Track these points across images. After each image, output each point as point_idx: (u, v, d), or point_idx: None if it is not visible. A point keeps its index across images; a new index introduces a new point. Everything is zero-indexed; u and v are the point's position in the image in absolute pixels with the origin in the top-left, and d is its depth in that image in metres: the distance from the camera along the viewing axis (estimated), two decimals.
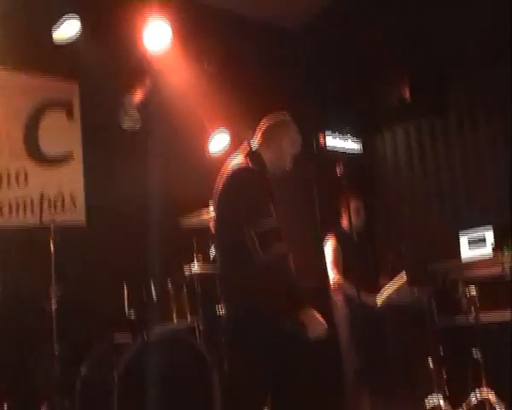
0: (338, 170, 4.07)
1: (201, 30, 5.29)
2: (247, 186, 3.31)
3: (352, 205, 5.29)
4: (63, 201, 5.46)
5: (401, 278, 4.64)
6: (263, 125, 3.65)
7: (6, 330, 4.32)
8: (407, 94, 6.12)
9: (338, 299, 5.24)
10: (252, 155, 3.52)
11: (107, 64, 5.20)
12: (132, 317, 4.38)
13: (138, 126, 5.21)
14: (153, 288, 4.48)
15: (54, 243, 4.30)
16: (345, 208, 5.27)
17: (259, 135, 3.62)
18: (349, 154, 6.53)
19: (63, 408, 4.07)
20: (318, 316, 3.22)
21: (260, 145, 3.59)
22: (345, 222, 5.28)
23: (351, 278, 5.03)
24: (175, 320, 4.53)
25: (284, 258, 3.20)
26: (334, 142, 6.73)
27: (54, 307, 4.16)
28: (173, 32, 5.14)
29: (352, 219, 5.22)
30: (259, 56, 5.64)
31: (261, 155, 3.54)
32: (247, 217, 3.18)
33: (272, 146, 3.56)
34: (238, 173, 3.40)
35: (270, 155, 3.55)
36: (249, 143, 3.60)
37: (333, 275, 5.22)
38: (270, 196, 3.38)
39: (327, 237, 5.39)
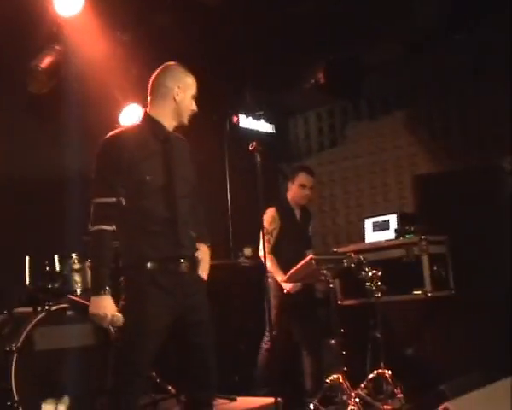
0: (250, 146, 4.07)
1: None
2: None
3: (300, 178, 5.43)
4: None
5: (307, 260, 4.71)
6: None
7: None
8: (321, 77, 6.22)
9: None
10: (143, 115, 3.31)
11: (15, 26, 4.97)
12: (34, 288, 4.24)
13: (45, 91, 5.00)
14: (56, 259, 4.35)
15: None
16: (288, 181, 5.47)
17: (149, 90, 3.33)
18: (263, 134, 6.59)
19: None
20: None
21: (151, 101, 3.29)
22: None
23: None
24: (78, 292, 4.41)
25: None
26: (247, 122, 6.77)
27: None
28: None
29: (296, 192, 5.42)
30: (178, 28, 5.54)
31: (147, 112, 3.28)
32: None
33: (162, 97, 3.24)
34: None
35: (160, 109, 3.25)
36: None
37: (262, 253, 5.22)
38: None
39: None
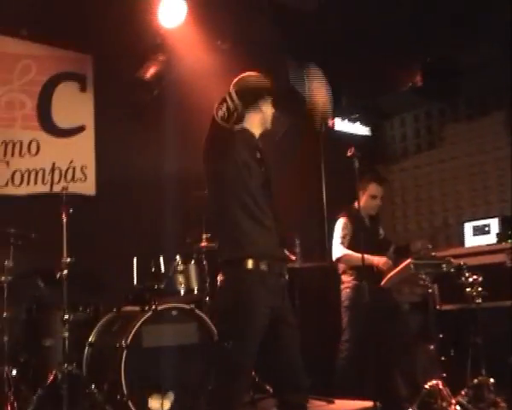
0: (349, 152, 4.11)
1: (216, 6, 5.29)
2: None
3: (371, 188, 5.34)
4: (74, 172, 5.52)
5: (406, 264, 4.68)
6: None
7: (19, 298, 4.39)
8: (419, 80, 6.15)
9: (344, 279, 5.29)
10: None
11: (121, 38, 5.23)
12: (141, 288, 4.46)
13: (151, 101, 5.24)
14: (162, 260, 4.55)
15: (66, 213, 4.32)
16: (359, 190, 5.24)
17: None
18: (358, 136, 6.60)
19: (71, 375, 4.14)
20: None
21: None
22: (357, 204, 5.23)
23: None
24: (182, 292, 4.60)
25: None
26: (342, 125, 6.80)
27: (64, 275, 4.20)
28: (188, 8, 5.16)
29: (367, 202, 5.29)
30: (273, 35, 5.65)
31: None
32: None
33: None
34: None
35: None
36: None
37: (340, 251, 5.26)
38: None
39: (338, 216, 5.40)
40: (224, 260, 3.14)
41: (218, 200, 3.16)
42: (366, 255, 4.77)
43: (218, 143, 3.07)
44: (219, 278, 3.15)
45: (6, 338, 4.18)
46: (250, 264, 3.05)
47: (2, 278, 4.21)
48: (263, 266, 3.05)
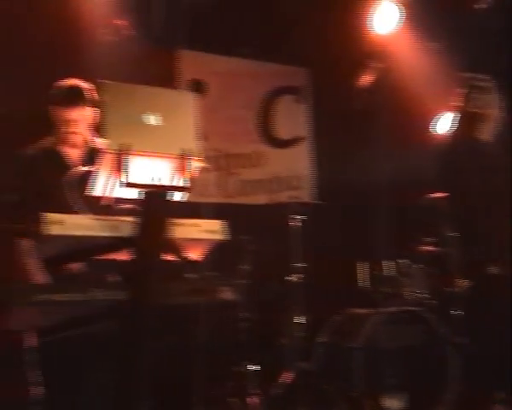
0: None
1: (430, 9, 5.26)
2: None
3: None
4: (293, 181, 5.79)
5: None
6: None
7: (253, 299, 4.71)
8: None
9: None
10: None
11: (335, 48, 5.39)
12: (366, 290, 4.57)
13: (369, 110, 5.33)
14: (385, 263, 4.62)
15: (292, 220, 4.57)
16: None
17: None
18: None
19: (303, 372, 4.38)
20: None
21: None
22: None
23: None
24: (407, 295, 4.63)
25: None
26: None
27: (296, 279, 4.46)
28: (403, 13, 5.19)
29: None
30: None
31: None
32: None
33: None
34: None
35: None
36: None
37: None
38: None
39: None
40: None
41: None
42: None
43: None
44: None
45: (246, 336, 4.51)
46: None
47: (239, 281, 4.55)
48: None
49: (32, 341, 3.07)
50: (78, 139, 3.28)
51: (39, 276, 3.01)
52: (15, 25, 4.67)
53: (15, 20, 4.66)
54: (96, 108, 3.25)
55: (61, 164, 3.25)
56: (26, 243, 3.14)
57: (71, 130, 3.24)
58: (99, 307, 2.37)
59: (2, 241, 3.28)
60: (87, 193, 2.52)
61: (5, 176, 3.36)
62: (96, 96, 3.22)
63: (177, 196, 2.53)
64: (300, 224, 4.74)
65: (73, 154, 3.30)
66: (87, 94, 3.25)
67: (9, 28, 4.60)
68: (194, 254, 2.62)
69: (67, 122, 3.22)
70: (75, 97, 3.21)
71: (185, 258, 2.56)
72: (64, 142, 3.28)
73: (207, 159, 5.39)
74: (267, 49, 5.70)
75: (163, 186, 2.42)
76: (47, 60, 4.73)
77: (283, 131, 5.85)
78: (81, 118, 3.24)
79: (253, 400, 4.36)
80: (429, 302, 4.73)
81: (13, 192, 3.24)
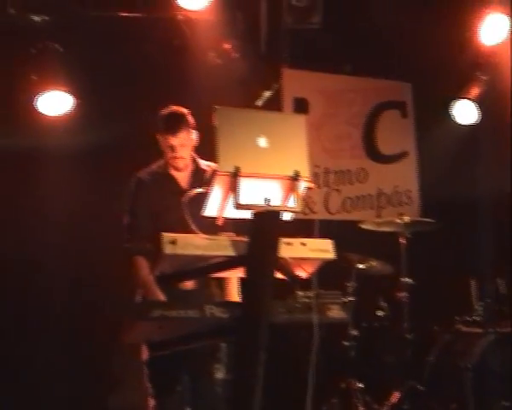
0: None
1: None
2: None
3: None
4: (399, 196, 5.73)
5: None
6: None
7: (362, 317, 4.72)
8: None
9: None
10: None
11: (438, 61, 5.31)
12: (480, 310, 4.44)
13: (475, 123, 5.21)
14: (500, 282, 4.48)
15: (404, 237, 4.56)
16: None
17: None
18: None
19: (413, 391, 4.32)
20: None
21: None
22: None
23: None
24: None
25: None
26: None
27: (405, 296, 4.42)
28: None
29: None
30: None
31: None
32: None
33: None
34: None
35: None
36: None
37: None
38: None
39: None
40: None
41: None
42: None
43: None
44: None
45: (353, 353, 4.52)
46: None
47: (347, 298, 4.57)
48: None
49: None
50: (184, 162, 3.47)
51: (157, 293, 3.17)
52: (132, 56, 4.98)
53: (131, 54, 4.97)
54: (196, 132, 3.44)
55: (171, 186, 3.44)
56: (143, 262, 3.33)
57: (177, 155, 3.41)
58: (214, 324, 2.47)
59: (122, 260, 3.48)
60: (201, 213, 2.64)
61: (122, 200, 3.54)
62: (192, 120, 3.43)
63: (287, 216, 2.61)
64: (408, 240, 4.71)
65: (180, 176, 3.49)
66: (188, 119, 3.43)
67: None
68: (304, 273, 2.68)
69: (173, 147, 3.40)
70: (177, 124, 3.41)
71: (296, 276, 2.62)
72: (172, 165, 3.47)
73: (313, 176, 5.50)
74: (370, 66, 5.70)
75: (275, 207, 2.50)
76: (159, 86, 4.98)
77: (388, 146, 5.80)
78: (185, 142, 3.42)
79: None
80: None
81: (129, 215, 3.44)
